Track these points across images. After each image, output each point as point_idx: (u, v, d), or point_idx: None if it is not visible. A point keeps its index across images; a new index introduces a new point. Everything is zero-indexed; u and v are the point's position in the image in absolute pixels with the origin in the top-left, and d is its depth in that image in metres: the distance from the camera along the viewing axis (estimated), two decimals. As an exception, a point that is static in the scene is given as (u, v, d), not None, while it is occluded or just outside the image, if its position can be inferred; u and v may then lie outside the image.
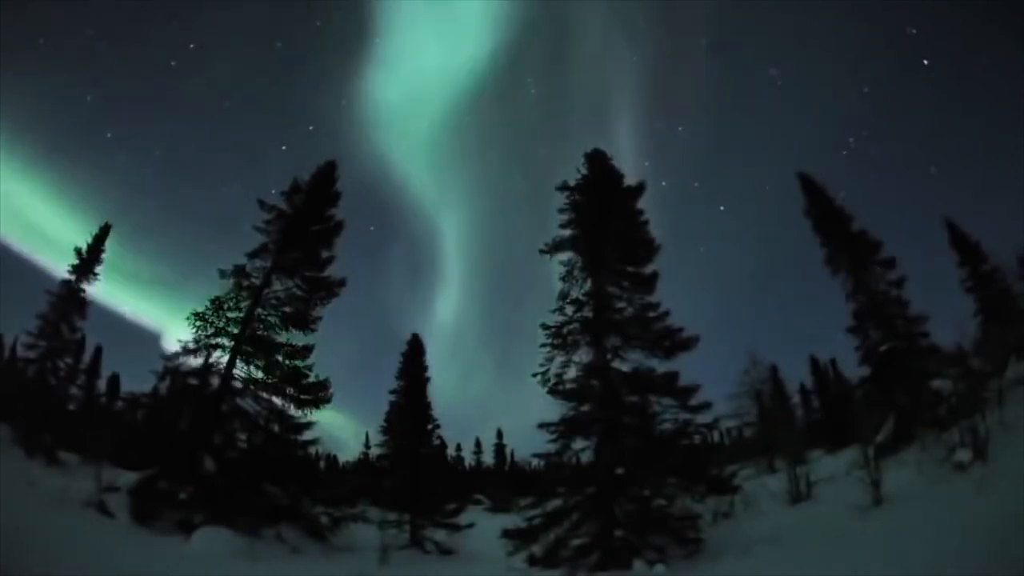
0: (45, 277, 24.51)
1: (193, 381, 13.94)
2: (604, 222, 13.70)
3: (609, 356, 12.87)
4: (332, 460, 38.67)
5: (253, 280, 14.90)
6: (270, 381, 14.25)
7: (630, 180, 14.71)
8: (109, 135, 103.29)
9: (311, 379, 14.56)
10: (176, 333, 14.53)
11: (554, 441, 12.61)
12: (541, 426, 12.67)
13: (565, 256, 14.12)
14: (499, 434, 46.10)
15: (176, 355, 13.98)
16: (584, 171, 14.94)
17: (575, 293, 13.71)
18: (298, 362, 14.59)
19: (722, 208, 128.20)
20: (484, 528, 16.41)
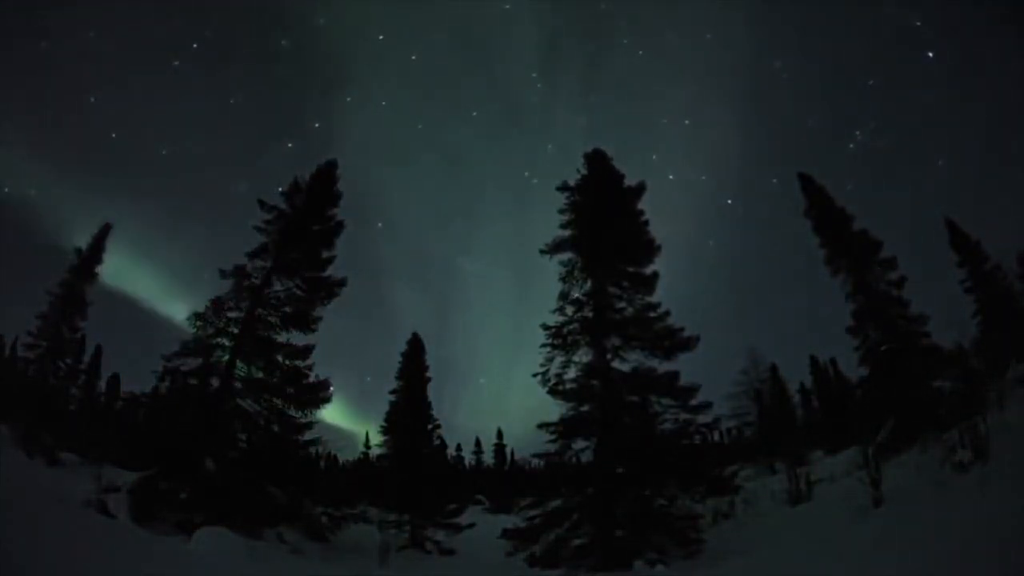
0: (46, 278, 24.35)
1: (193, 381, 13.93)
2: (604, 222, 13.71)
3: (609, 356, 12.88)
4: (332, 460, 38.61)
5: (253, 280, 14.88)
6: (270, 381, 14.24)
7: (636, 173, 14.75)
8: (114, 135, 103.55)
9: (311, 379, 14.56)
10: (179, 332, 14.54)
11: (554, 441, 12.62)
12: (541, 426, 12.70)
13: (565, 256, 14.16)
14: (499, 434, 46.00)
15: (176, 355, 13.97)
16: (584, 171, 14.95)
17: (575, 293, 13.73)
18: (298, 362, 14.58)
19: (729, 202, 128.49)
20: (484, 528, 16.42)
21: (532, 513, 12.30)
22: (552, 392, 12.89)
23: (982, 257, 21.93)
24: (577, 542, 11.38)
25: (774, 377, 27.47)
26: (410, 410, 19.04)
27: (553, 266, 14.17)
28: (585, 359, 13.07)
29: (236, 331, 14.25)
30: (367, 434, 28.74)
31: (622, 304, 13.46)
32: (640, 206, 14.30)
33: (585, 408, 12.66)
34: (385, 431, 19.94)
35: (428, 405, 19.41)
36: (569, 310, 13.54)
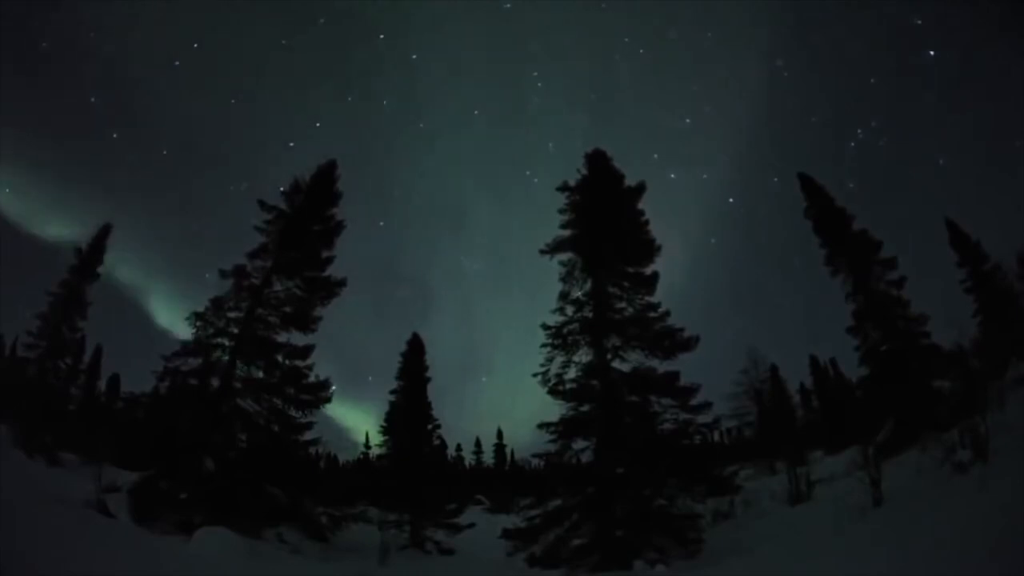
0: (46, 278, 24.37)
1: (193, 381, 13.94)
2: (604, 222, 13.71)
3: (609, 356, 12.88)
4: (332, 460, 38.58)
5: (253, 280, 14.88)
6: (270, 381, 14.24)
7: (638, 172, 14.75)
8: (115, 135, 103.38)
9: (311, 379, 14.56)
10: (180, 333, 14.57)
11: (554, 441, 12.62)
12: (541, 426, 12.71)
13: (565, 256, 14.15)
14: (499, 434, 45.98)
15: (176, 355, 13.97)
16: (584, 171, 14.95)
17: (575, 293, 13.73)
18: (298, 362, 14.58)
19: (731, 200, 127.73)
20: (484, 528, 16.42)
21: (532, 513, 12.31)
22: (552, 392, 12.89)
23: (982, 257, 21.89)
24: (577, 542, 11.38)
25: (774, 377, 27.43)
26: (410, 410, 19.04)
27: (554, 266, 14.19)
28: (585, 359, 13.08)
29: (236, 331, 14.24)
30: (367, 434, 28.74)
31: (622, 304, 13.46)
32: (640, 206, 14.32)
33: (585, 408, 12.66)
34: (385, 431, 19.95)
35: (428, 405, 19.42)
36: (569, 310, 13.55)
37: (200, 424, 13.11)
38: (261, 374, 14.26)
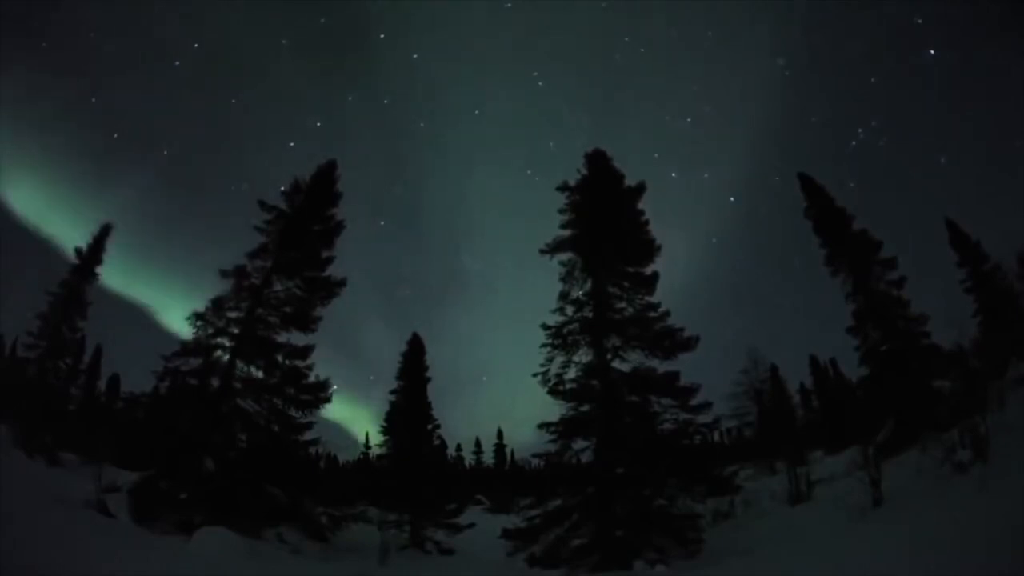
0: (46, 278, 24.37)
1: (193, 381, 13.93)
2: (604, 222, 13.72)
3: (609, 356, 12.88)
4: (332, 460, 38.58)
5: (253, 280, 14.87)
6: (270, 381, 14.24)
7: (639, 172, 14.76)
8: (115, 135, 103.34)
9: (311, 379, 14.56)
10: (179, 333, 14.56)
11: (554, 441, 12.63)
12: (541, 426, 12.72)
13: (565, 256, 14.16)
14: (499, 434, 46.00)
15: (176, 355, 13.97)
16: (584, 171, 14.95)
17: (575, 293, 13.74)
18: (298, 362, 14.58)
19: (732, 199, 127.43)
20: (484, 528, 16.42)
21: (532, 513, 12.32)
22: (552, 392, 12.90)
23: (982, 257, 21.88)
24: (577, 542, 11.38)
25: (774, 377, 27.42)
26: (410, 410, 19.05)
27: (554, 266, 14.19)
28: (585, 359, 13.08)
29: (236, 331, 14.24)
30: (367, 434, 28.76)
31: (622, 304, 13.47)
32: (641, 205, 14.33)
33: (585, 408, 12.66)
34: (385, 431, 19.95)
35: (428, 405, 19.42)
36: (569, 310, 13.56)
37: (200, 424, 13.09)
38: (261, 374, 14.24)
